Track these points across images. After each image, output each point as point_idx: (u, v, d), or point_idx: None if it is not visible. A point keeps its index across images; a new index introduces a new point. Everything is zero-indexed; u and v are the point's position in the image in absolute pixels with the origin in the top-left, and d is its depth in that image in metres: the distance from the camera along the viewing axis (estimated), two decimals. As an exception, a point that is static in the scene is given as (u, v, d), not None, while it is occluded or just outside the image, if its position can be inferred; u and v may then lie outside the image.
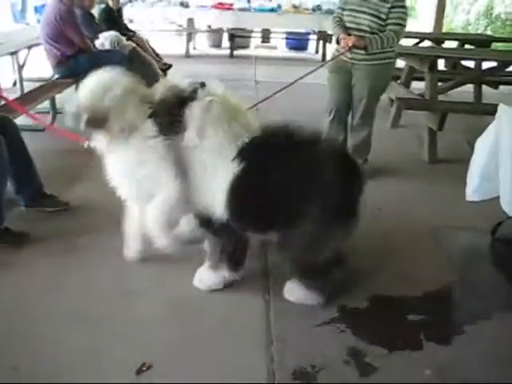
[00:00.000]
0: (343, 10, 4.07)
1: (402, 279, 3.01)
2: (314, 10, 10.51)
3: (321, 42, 11.06)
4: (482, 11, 14.79)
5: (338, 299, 2.78)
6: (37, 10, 11.17)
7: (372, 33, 3.89)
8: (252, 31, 11.61)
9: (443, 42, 7.53)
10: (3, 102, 4.11)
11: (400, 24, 3.86)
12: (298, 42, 11.90)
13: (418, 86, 5.86)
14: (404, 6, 3.91)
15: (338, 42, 4.10)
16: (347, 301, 2.79)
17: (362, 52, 3.95)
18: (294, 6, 10.56)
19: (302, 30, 11.44)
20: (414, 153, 4.99)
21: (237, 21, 10.45)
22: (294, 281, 2.73)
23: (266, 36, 12.09)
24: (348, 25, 4.00)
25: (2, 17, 11.39)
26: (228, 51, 10.80)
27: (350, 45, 3.90)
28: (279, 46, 12.20)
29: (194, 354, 2.39)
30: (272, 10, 10.45)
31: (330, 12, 10.33)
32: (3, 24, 10.50)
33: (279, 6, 10.55)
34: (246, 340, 2.49)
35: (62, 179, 4.12)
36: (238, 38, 10.98)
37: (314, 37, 11.39)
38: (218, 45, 11.89)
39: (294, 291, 2.74)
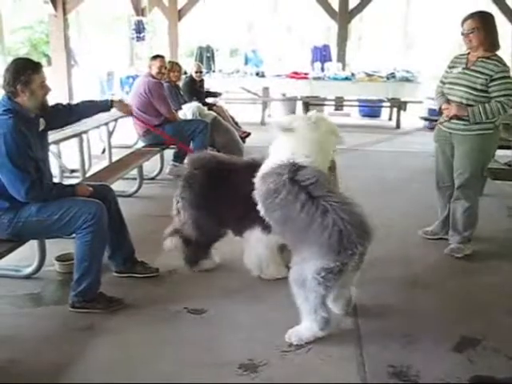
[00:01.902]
0: (443, 83, 4.14)
1: None
2: (387, 78, 10.58)
3: (394, 110, 11.09)
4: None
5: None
6: (122, 81, 11.84)
7: (468, 104, 3.89)
8: (325, 99, 11.80)
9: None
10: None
11: (506, 95, 3.80)
12: (370, 109, 11.99)
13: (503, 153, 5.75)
14: (507, 77, 3.85)
15: (440, 113, 4.18)
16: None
17: (461, 123, 3.96)
18: (368, 74, 10.68)
19: (375, 98, 11.52)
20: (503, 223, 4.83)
21: (311, 89, 10.70)
22: None
23: (339, 103, 12.24)
24: (448, 97, 4.05)
25: (90, 88, 12.15)
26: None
27: (451, 115, 3.94)
28: (352, 114, 12.31)
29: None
30: (346, 78, 10.62)
31: (403, 79, 10.45)
32: (91, 95, 11.18)
33: (353, 75, 10.72)
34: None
35: (151, 245, 4.22)
36: (312, 105, 11.17)
37: (386, 104, 11.43)
38: (292, 112, 12.11)
39: None
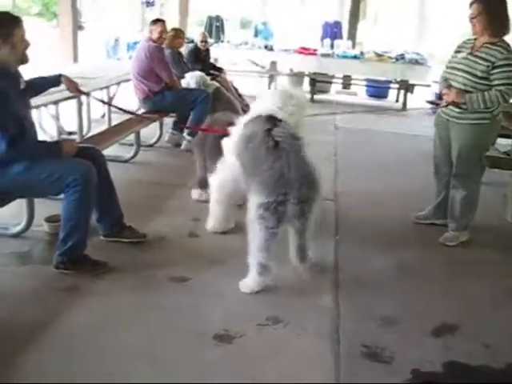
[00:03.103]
0: (447, 68, 4.05)
1: None
2: (397, 59, 10.44)
3: (401, 92, 10.97)
4: None
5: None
6: (129, 46, 11.75)
7: (466, 90, 3.79)
8: (333, 77, 11.68)
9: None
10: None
11: (507, 84, 3.69)
12: (378, 89, 11.84)
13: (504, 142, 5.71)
14: (510, 65, 3.70)
15: (441, 98, 4.10)
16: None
17: (457, 110, 3.88)
18: (377, 54, 10.55)
19: (383, 78, 11.39)
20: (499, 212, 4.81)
21: (319, 66, 10.58)
22: None
23: (346, 82, 12.12)
24: (450, 82, 3.95)
25: (98, 52, 12.07)
26: (308, 95, 10.89)
27: (450, 101, 3.86)
28: (359, 93, 12.19)
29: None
30: (355, 57, 10.49)
31: (413, 61, 10.31)
32: (97, 59, 11.12)
33: (362, 54, 10.59)
34: None
35: (142, 210, 4.24)
36: (319, 82, 11.06)
37: (394, 85, 11.30)
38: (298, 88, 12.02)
39: None
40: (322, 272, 3.40)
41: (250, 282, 3.21)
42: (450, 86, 3.91)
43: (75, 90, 4.03)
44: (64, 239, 3.27)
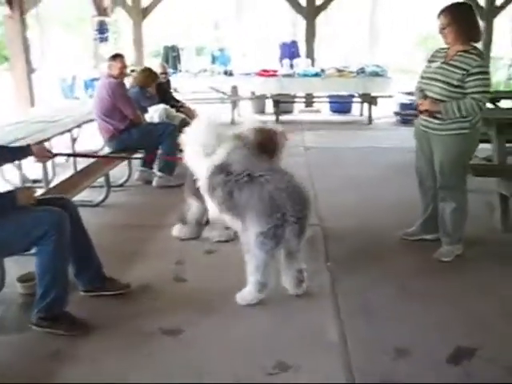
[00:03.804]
0: (422, 78, 3.93)
1: None
2: (357, 73, 10.46)
3: (365, 105, 10.97)
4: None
5: None
6: (86, 84, 11.47)
7: (441, 100, 3.68)
8: (295, 96, 11.63)
9: (498, 101, 7.29)
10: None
11: (481, 91, 3.60)
12: (341, 105, 11.84)
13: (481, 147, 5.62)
14: (485, 72, 3.64)
15: (417, 109, 3.97)
16: None
17: (435, 121, 3.77)
18: (338, 70, 10.54)
19: (346, 93, 11.39)
20: (486, 221, 4.71)
21: (281, 87, 10.50)
22: None
23: (309, 100, 12.09)
24: (426, 93, 3.84)
25: (53, 92, 11.73)
26: (272, 117, 10.80)
27: (422, 109, 3.75)
28: (322, 110, 12.16)
29: None
30: (316, 74, 10.45)
31: (373, 74, 10.35)
32: (53, 99, 10.81)
33: (323, 71, 10.56)
34: None
35: (119, 257, 4.00)
36: (282, 103, 10.98)
37: (357, 99, 11.29)
38: (261, 111, 11.94)
39: None
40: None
41: (247, 296, 3.28)
42: (425, 97, 3.81)
43: (46, 157, 3.60)
44: (42, 296, 3.01)
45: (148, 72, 6.70)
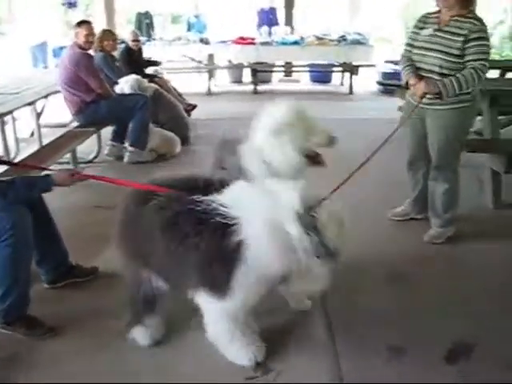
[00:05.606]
0: (412, 47, 3.59)
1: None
2: (339, 41, 10.10)
3: (345, 74, 10.64)
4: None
5: None
6: (55, 52, 10.91)
7: (442, 74, 3.36)
8: (274, 65, 11.24)
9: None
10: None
11: (481, 59, 3.28)
12: (321, 74, 11.49)
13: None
14: (484, 38, 3.32)
15: (407, 86, 3.65)
16: None
17: (432, 96, 3.42)
18: (318, 38, 10.16)
19: (326, 62, 11.04)
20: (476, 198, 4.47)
21: (258, 55, 10.12)
22: None
23: (288, 69, 11.71)
24: (418, 65, 3.51)
25: (21, 61, 11.12)
26: (249, 86, 10.44)
27: (420, 93, 3.40)
28: (302, 80, 11.80)
29: None
30: (295, 42, 10.07)
31: (355, 42, 10.00)
32: (22, 69, 10.23)
33: (302, 39, 10.17)
34: None
35: (87, 241, 3.70)
36: (260, 72, 10.60)
37: (337, 68, 10.94)
38: (239, 80, 11.56)
39: None
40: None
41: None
42: (420, 77, 3.44)
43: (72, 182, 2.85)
44: (2, 299, 2.72)
45: (102, 34, 6.30)
